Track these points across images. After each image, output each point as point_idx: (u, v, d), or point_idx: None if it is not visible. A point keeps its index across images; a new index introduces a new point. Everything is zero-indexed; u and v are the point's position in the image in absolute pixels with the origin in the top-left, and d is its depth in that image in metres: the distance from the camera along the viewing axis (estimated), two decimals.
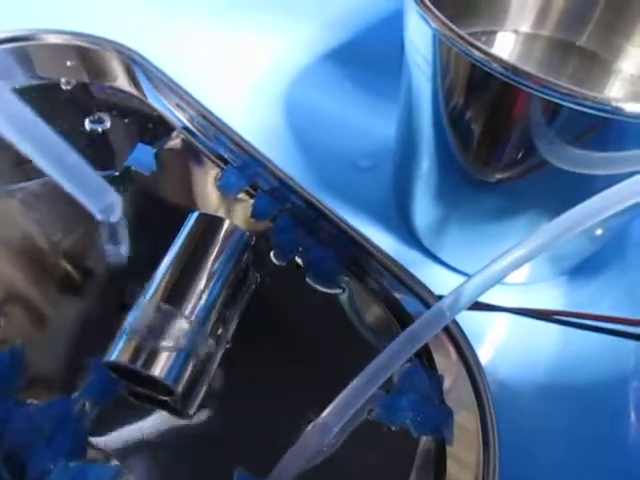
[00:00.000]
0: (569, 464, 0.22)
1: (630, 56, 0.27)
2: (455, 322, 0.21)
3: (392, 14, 0.38)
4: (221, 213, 0.26)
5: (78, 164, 0.19)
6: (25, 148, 0.18)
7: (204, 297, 0.20)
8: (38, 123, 0.18)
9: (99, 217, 0.20)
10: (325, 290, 0.23)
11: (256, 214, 0.25)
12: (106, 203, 0.19)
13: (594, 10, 0.28)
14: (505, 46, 0.29)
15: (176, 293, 0.20)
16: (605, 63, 0.28)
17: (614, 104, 0.16)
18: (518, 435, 0.21)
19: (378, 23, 0.39)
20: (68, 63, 0.29)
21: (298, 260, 0.24)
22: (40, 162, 0.18)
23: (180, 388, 0.19)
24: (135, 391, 0.20)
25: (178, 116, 0.29)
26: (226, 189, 0.26)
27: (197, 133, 0.28)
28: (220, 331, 0.21)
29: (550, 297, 0.27)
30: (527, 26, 0.29)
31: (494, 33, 0.29)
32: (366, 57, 0.37)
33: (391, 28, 0.36)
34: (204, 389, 0.20)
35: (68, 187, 0.19)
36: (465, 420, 0.20)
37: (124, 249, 0.22)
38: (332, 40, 0.38)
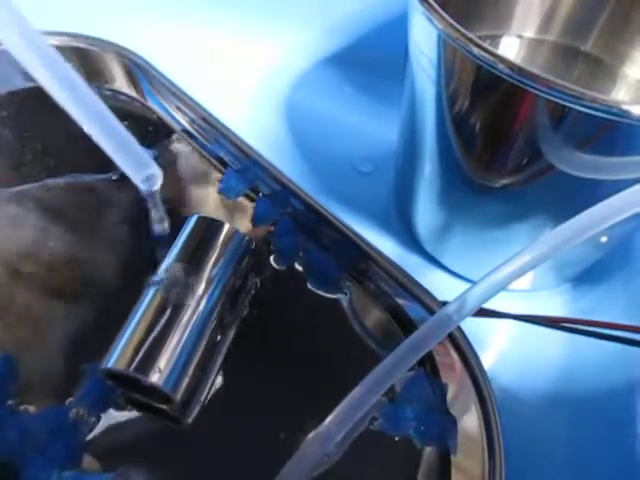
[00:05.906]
0: (574, 473, 0.22)
1: (635, 62, 0.27)
2: (459, 329, 0.21)
3: (393, 18, 0.38)
4: (221, 217, 0.25)
5: (124, 134, 0.19)
6: (75, 114, 0.18)
7: (203, 302, 0.20)
8: (86, 89, 0.18)
9: (141, 187, 0.20)
10: (326, 295, 0.23)
11: (256, 218, 0.25)
12: (148, 173, 0.20)
13: (599, 16, 0.27)
14: (509, 51, 0.29)
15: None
16: (611, 69, 0.28)
17: (623, 107, 0.15)
18: (522, 443, 0.20)
19: (379, 27, 0.39)
20: None
21: (298, 265, 0.24)
22: (90, 129, 0.19)
23: (179, 396, 0.19)
24: (132, 399, 0.19)
25: (178, 119, 0.28)
26: (227, 192, 0.26)
27: (197, 136, 0.28)
28: (219, 337, 0.21)
29: (554, 304, 0.27)
30: (532, 31, 0.29)
31: (498, 38, 0.29)
32: (367, 61, 0.37)
33: (392, 32, 0.36)
34: (203, 397, 0.20)
35: (113, 156, 0.19)
36: (470, 429, 0.19)
37: (167, 225, 0.23)
38: (333, 44, 0.38)
